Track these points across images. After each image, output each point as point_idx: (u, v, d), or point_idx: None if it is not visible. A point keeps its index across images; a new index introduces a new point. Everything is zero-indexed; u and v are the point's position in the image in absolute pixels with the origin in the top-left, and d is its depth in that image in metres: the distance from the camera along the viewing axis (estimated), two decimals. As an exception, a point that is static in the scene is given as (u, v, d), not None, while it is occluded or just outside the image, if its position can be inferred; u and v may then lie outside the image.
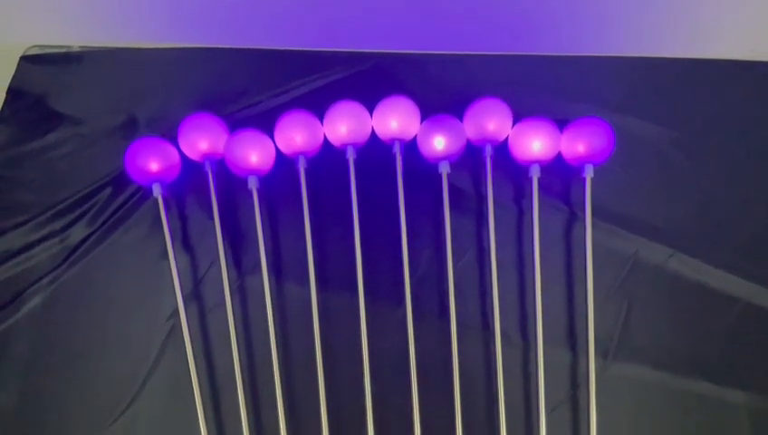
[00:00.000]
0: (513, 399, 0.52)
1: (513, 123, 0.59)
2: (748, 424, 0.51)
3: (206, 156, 0.58)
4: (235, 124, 0.59)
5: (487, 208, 0.56)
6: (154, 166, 0.56)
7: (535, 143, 0.56)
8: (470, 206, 0.59)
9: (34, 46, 0.69)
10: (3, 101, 0.66)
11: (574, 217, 0.59)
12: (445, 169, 0.57)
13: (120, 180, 0.61)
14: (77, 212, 0.59)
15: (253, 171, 0.57)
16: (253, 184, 0.56)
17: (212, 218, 0.56)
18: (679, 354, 0.54)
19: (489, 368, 0.53)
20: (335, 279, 0.56)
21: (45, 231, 0.59)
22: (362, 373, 0.51)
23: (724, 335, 0.55)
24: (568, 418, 0.52)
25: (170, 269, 0.54)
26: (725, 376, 0.53)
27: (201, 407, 0.50)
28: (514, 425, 0.51)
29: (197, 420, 0.50)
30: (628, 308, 0.56)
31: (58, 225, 0.59)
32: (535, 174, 0.56)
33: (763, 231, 0.59)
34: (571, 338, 0.55)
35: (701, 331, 0.55)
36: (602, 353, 0.54)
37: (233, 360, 0.51)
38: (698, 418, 0.52)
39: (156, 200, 0.57)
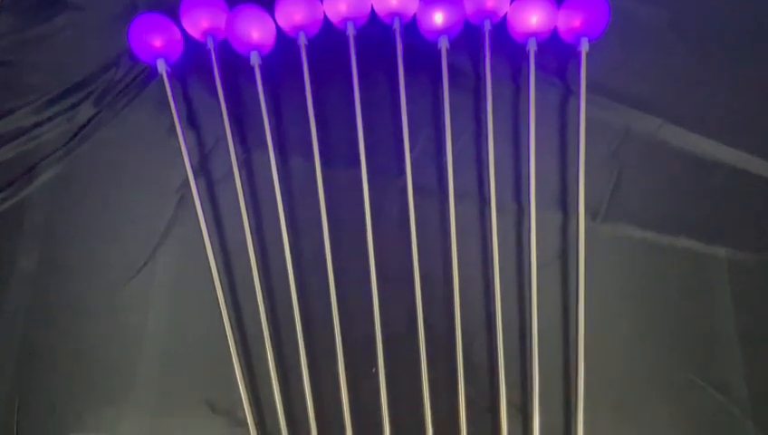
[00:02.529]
0: (507, 258, 0.55)
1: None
2: (727, 275, 0.55)
3: (209, 32, 0.59)
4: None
5: (485, 85, 0.58)
6: (157, 41, 0.57)
7: (533, 16, 0.57)
8: (468, 84, 0.61)
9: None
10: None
11: (569, 92, 0.60)
12: (444, 44, 0.58)
13: (124, 62, 0.62)
14: (84, 92, 0.61)
15: (255, 47, 0.58)
16: (255, 60, 0.58)
17: (215, 98, 0.57)
18: (666, 215, 0.57)
19: (484, 231, 0.56)
20: (337, 153, 0.58)
21: (54, 110, 0.61)
22: (365, 239, 0.53)
23: (709, 197, 0.58)
24: (558, 274, 0.55)
25: (177, 143, 0.56)
26: (709, 233, 0.56)
27: (215, 267, 0.53)
28: (507, 281, 0.54)
29: (210, 280, 0.53)
30: (619, 174, 0.58)
31: (66, 104, 0.61)
32: (532, 47, 0.57)
33: (749, 103, 0.61)
34: (563, 203, 0.57)
35: (687, 194, 0.58)
36: (592, 215, 0.57)
37: (243, 227, 0.54)
38: (681, 271, 0.55)
39: (161, 81, 0.58)
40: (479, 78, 0.61)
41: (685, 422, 0.52)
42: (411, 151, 0.56)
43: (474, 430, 0.49)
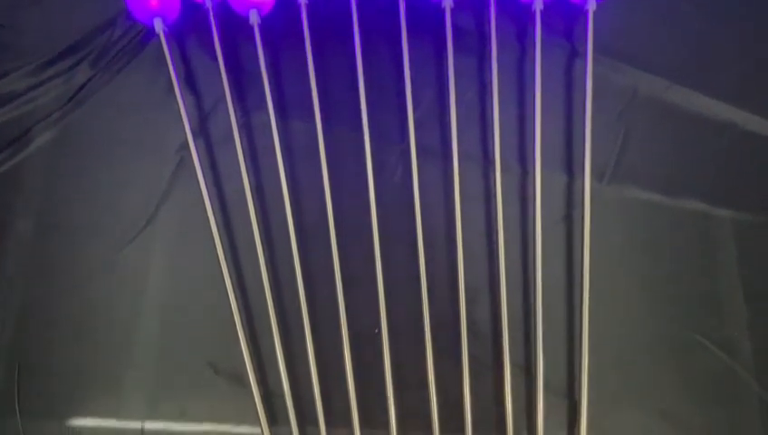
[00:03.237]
0: (511, 219, 0.54)
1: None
2: (733, 237, 0.54)
3: (207, -9, 0.58)
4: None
5: (490, 46, 0.56)
6: (154, 0, 0.56)
7: (538, -27, 0.57)
8: (473, 45, 0.60)
9: None
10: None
11: (575, 53, 0.59)
12: (448, 3, 0.56)
13: (121, 22, 0.61)
14: (80, 54, 0.60)
15: (254, 5, 0.56)
16: (254, 19, 0.56)
17: (214, 59, 0.56)
18: (673, 176, 0.57)
19: (488, 192, 0.56)
20: (339, 114, 0.57)
21: (49, 73, 0.60)
22: (368, 200, 0.52)
23: (716, 159, 0.57)
24: (563, 235, 0.55)
25: (176, 105, 0.54)
26: (715, 195, 0.56)
27: (216, 229, 0.52)
28: (511, 242, 0.54)
29: (211, 242, 0.52)
30: (625, 136, 0.57)
31: (62, 67, 0.60)
32: (538, 6, 0.56)
33: (759, 64, 0.60)
34: (569, 164, 0.57)
35: (695, 155, 0.57)
36: (598, 177, 0.56)
37: (243, 189, 0.52)
38: (687, 232, 0.55)
39: (158, 41, 0.57)
40: (484, 38, 0.60)
41: (689, 381, 0.51)
42: (414, 112, 0.55)
43: (477, 388, 0.49)
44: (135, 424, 0.51)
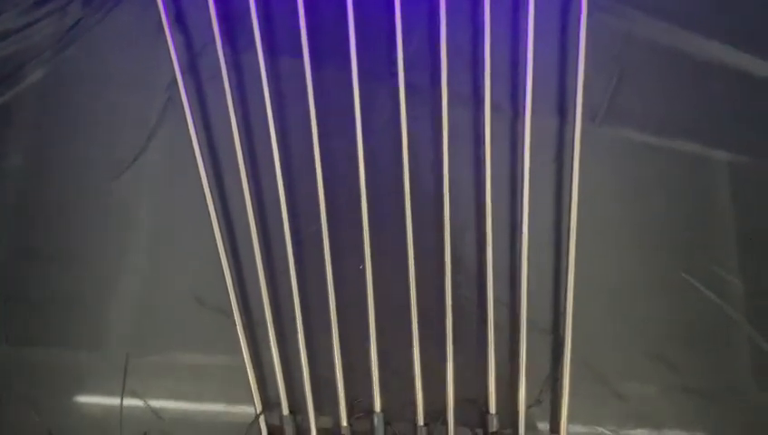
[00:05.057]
0: (501, 159, 0.54)
1: None
2: (728, 178, 0.53)
3: (197, -72, 0.57)
4: None
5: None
6: (144, -64, 0.56)
7: None
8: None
9: None
10: None
11: (571, -5, 0.59)
12: (440, -59, 0.56)
13: (112, -38, 0.61)
14: (72, -7, 0.61)
15: (244, -58, 0.57)
16: (245, -44, 0.57)
17: (205, -2, 0.57)
18: (667, 118, 0.55)
19: (478, 132, 0.55)
20: (328, 53, 0.56)
21: (42, 12, 0.59)
22: (355, 138, 0.52)
23: (713, 101, 0.56)
24: (553, 176, 0.54)
25: (166, 44, 0.54)
26: (711, 137, 0.55)
27: (202, 166, 0.52)
28: (500, 182, 0.53)
29: (198, 179, 0.52)
30: (619, 78, 0.56)
31: (54, 5, 0.60)
32: (533, -56, 0.56)
33: (757, 5, 0.57)
34: (561, 105, 0.55)
35: (690, 97, 0.56)
36: (590, 118, 0.55)
37: (231, 126, 0.52)
38: (681, 174, 0.54)
39: (149, -19, 0.58)
40: (477, -23, 0.59)
41: (679, 322, 0.51)
42: (405, 51, 0.54)
43: (461, 324, 0.49)
44: (120, 353, 0.52)
